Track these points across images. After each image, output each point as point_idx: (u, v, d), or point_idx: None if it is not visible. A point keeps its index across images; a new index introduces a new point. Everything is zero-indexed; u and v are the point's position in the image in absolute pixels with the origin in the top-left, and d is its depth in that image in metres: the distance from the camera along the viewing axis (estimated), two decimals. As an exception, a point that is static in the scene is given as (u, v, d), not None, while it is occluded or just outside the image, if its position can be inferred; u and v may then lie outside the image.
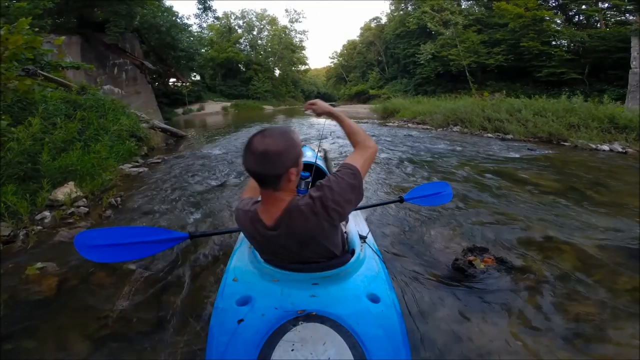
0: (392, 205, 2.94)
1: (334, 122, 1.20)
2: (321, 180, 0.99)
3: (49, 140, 3.62)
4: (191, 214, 3.15)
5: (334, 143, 7.65)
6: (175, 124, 12.31)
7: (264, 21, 38.51)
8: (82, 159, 3.73)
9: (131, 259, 1.68)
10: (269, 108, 28.85)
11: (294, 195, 0.99)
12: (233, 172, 4.86)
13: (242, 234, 1.34)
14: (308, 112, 1.24)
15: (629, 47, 11.75)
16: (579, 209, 3.08)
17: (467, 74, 19.45)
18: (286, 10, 60.87)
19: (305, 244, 1.00)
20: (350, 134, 1.13)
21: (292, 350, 0.83)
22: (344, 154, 6.17)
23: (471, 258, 2.05)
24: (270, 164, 0.88)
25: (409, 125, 11.57)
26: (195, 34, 25.88)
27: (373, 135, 8.86)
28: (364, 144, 1.08)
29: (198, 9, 25.12)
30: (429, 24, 22.31)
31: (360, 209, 1.62)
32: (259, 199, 1.04)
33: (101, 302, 1.78)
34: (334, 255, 1.06)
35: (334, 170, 1.07)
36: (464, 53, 19.39)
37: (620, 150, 6.04)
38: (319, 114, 1.21)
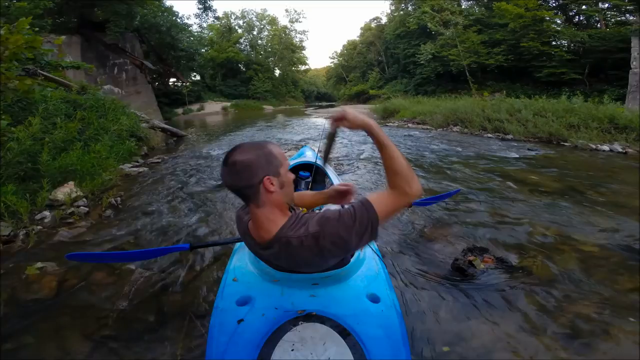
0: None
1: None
2: (327, 211, 0.86)
3: (49, 140, 3.63)
4: (191, 213, 3.15)
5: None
6: (175, 124, 12.31)
7: (264, 21, 38.54)
8: (82, 158, 3.74)
9: (130, 262, 1.69)
10: (268, 108, 28.85)
11: (287, 218, 0.89)
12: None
13: None
14: (328, 123, 0.95)
15: (629, 47, 11.75)
16: (578, 209, 3.07)
17: (467, 74, 19.46)
18: (286, 10, 61.12)
19: (300, 267, 0.97)
20: (389, 170, 0.84)
21: (292, 350, 0.83)
22: (343, 154, 6.15)
23: (471, 258, 2.06)
24: (238, 175, 0.84)
25: (409, 125, 11.56)
26: (196, 33, 25.85)
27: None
28: (403, 189, 0.82)
29: (198, 8, 25.08)
30: (429, 24, 22.29)
31: None
32: None
33: (101, 302, 1.78)
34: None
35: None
36: (464, 53, 19.39)
37: (620, 150, 6.04)
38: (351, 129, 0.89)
